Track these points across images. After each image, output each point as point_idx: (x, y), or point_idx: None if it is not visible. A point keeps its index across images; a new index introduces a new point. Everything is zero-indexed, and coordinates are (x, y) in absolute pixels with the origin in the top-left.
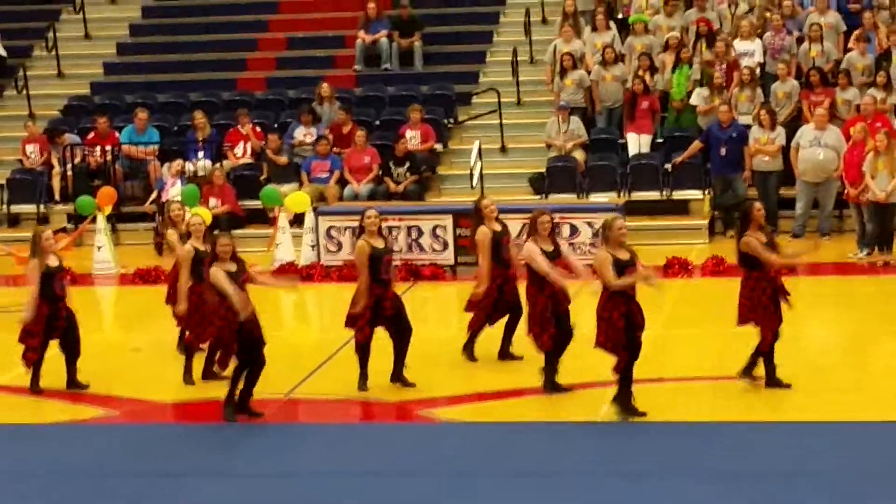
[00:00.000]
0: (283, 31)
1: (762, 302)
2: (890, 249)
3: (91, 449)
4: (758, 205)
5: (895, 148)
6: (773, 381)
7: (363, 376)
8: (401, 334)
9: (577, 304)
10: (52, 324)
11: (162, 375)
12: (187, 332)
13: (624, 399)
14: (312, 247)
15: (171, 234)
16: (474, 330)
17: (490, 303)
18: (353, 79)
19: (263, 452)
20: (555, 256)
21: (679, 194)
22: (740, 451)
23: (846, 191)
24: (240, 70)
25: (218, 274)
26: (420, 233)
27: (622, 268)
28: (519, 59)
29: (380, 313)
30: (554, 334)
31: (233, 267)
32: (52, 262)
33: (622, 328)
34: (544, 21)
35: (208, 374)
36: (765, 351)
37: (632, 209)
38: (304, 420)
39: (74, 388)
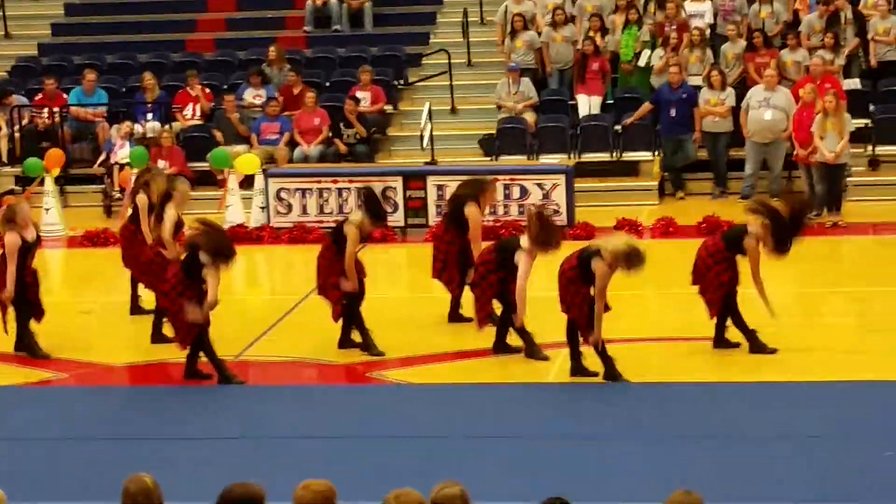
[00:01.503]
0: None
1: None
2: (839, 210)
3: (42, 412)
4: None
5: (843, 109)
6: (723, 342)
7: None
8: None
9: (536, 269)
10: (24, 289)
11: (112, 338)
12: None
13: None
14: (262, 209)
15: (142, 199)
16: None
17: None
18: (304, 40)
19: (219, 415)
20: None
21: (629, 156)
22: (693, 412)
23: (795, 152)
24: (189, 31)
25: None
26: None
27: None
28: (469, 20)
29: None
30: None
31: None
32: (30, 235)
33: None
34: None
35: (158, 338)
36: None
37: (582, 171)
38: (256, 382)
39: (23, 351)
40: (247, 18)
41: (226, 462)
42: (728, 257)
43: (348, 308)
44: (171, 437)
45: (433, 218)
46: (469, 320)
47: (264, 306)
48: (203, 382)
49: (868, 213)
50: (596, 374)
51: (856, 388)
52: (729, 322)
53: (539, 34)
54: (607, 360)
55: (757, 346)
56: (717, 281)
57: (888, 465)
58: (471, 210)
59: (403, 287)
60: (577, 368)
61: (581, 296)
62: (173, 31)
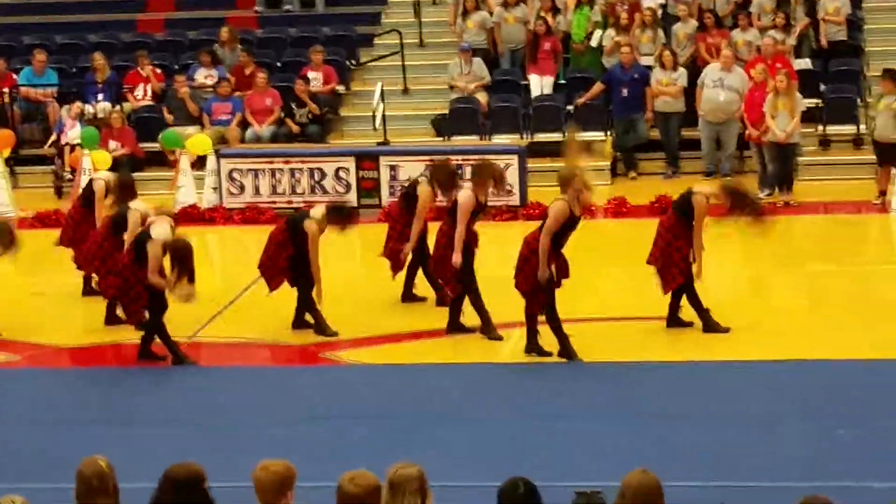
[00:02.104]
0: None
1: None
2: (790, 189)
3: None
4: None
5: (795, 88)
6: (676, 321)
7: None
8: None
9: (489, 248)
10: None
11: (64, 319)
12: (94, 280)
13: (532, 339)
14: (214, 189)
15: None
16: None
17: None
18: (255, 20)
19: (171, 396)
20: (484, 209)
21: (582, 136)
22: (647, 391)
23: (747, 132)
24: (139, 11)
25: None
26: (323, 175)
27: (573, 223)
28: (421, 0)
29: None
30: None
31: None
32: None
33: (550, 276)
34: None
35: (112, 320)
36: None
37: (535, 151)
38: (209, 363)
39: None
40: None
41: (180, 443)
42: (686, 230)
43: (302, 291)
44: (125, 418)
45: (386, 198)
46: (423, 300)
47: (217, 288)
48: (157, 364)
49: (819, 192)
50: (550, 354)
51: (808, 366)
52: (682, 301)
53: (491, 14)
54: (562, 338)
55: (710, 326)
56: (678, 255)
57: (841, 444)
58: (422, 189)
59: (356, 267)
60: (532, 346)
61: (532, 266)
62: (123, 11)
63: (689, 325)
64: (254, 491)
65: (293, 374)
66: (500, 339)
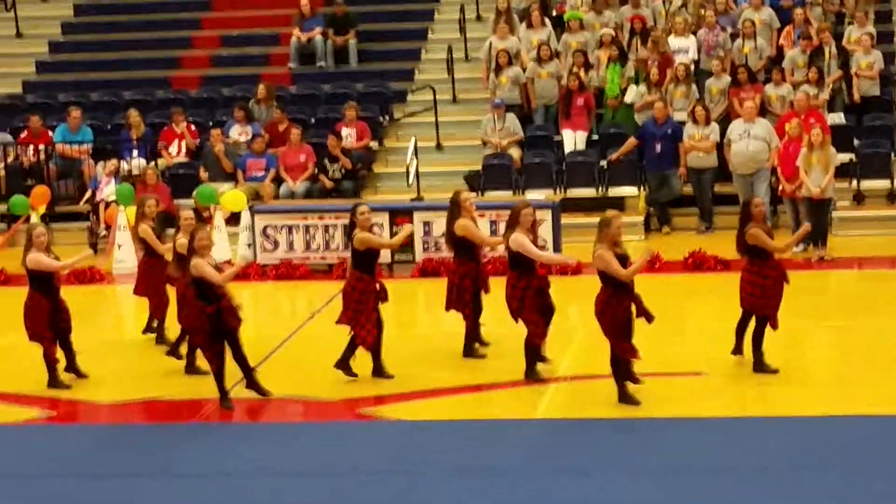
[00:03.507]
0: (217, 29)
1: (777, 289)
2: (825, 244)
3: (29, 450)
4: (757, 200)
5: (828, 143)
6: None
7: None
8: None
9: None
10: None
11: (99, 375)
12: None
13: (622, 389)
14: (249, 245)
15: (146, 230)
16: (468, 330)
17: (470, 297)
18: (289, 77)
19: (204, 452)
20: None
21: (615, 191)
22: (677, 447)
23: (781, 186)
24: (174, 68)
25: (203, 265)
26: None
27: (622, 263)
28: (454, 56)
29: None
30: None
31: (212, 260)
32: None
33: (628, 320)
34: (479, 18)
35: (192, 370)
36: (761, 333)
37: (568, 206)
38: (244, 419)
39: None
40: (231, 56)
41: (215, 500)
42: (758, 266)
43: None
44: (161, 474)
45: (420, 254)
46: (482, 356)
47: (252, 343)
48: (197, 417)
49: (854, 247)
50: (638, 403)
51: (839, 422)
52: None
53: (524, 70)
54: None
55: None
56: (773, 291)
57: (876, 499)
58: (460, 223)
59: (391, 324)
60: (623, 396)
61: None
62: (158, 69)
63: (775, 371)
64: None
65: (328, 429)
66: (543, 381)
